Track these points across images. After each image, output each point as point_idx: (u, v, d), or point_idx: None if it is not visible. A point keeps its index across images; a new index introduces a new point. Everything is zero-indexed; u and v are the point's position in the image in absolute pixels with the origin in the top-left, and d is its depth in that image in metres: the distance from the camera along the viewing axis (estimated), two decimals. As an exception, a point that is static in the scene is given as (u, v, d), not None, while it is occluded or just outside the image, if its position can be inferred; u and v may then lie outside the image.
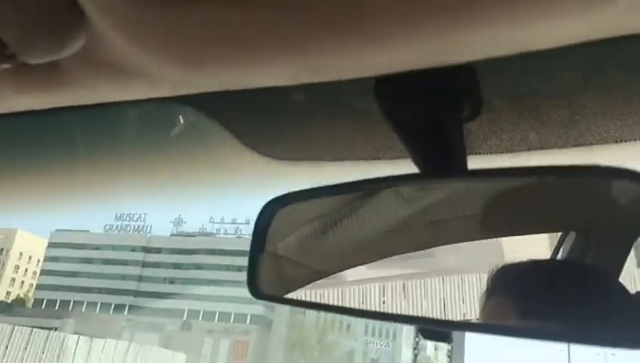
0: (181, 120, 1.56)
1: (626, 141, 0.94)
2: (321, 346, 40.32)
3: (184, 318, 41.49)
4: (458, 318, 0.96)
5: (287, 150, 1.12)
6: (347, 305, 1.03)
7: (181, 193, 1.89)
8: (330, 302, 1.05)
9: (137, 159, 1.60)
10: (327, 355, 39.94)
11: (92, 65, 0.71)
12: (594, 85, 0.86)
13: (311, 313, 42.18)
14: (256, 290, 1.05)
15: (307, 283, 1.12)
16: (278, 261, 1.10)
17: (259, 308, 40.30)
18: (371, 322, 41.13)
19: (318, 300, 1.06)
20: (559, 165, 0.84)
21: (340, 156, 1.07)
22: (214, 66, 0.69)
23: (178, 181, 1.74)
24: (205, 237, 45.85)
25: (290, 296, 1.09)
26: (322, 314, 43.65)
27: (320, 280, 1.05)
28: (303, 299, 1.07)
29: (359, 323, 41.21)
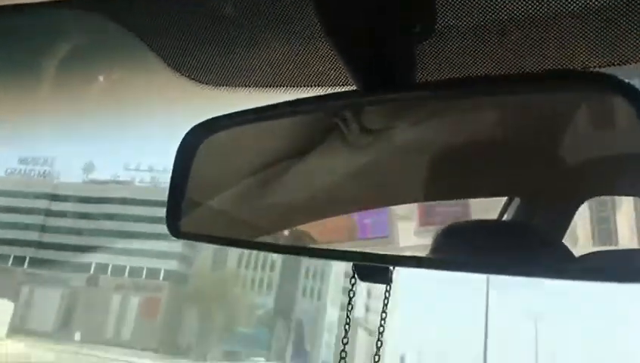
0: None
1: (593, 67, 0.92)
2: (241, 305, 40.61)
3: (91, 273, 40.72)
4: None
5: (218, 73, 1.06)
6: (278, 242, 1.01)
7: (99, 123, 1.80)
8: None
9: (45, 85, 1.49)
10: (247, 314, 40.31)
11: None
12: (562, 3, 0.83)
13: (232, 270, 42.25)
14: (175, 226, 1.01)
15: (240, 235, 1.08)
16: (208, 201, 1.05)
17: (173, 263, 39.96)
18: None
19: (250, 239, 1.03)
20: (526, 73, 0.82)
21: (278, 82, 1.02)
22: None
23: (100, 108, 1.64)
24: (118, 184, 44.76)
25: (213, 234, 1.05)
26: (243, 272, 43.74)
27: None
28: (227, 236, 1.03)
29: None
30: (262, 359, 28.44)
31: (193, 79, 1.07)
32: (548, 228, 0.92)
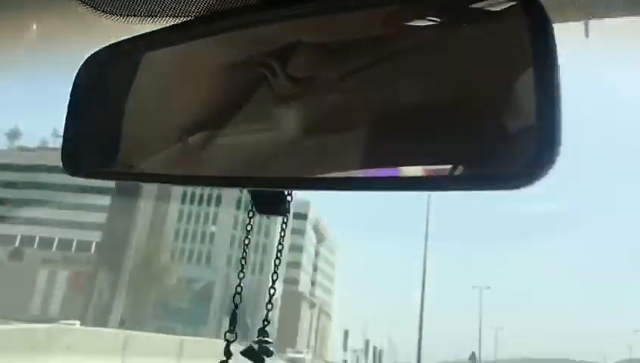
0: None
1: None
2: (178, 278, 40.46)
3: (16, 245, 39.69)
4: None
5: (123, 2, 1.01)
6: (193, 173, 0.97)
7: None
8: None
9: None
10: (183, 288, 40.20)
11: None
12: None
13: (168, 241, 41.94)
14: (73, 164, 0.97)
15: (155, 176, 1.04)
16: (113, 135, 1.00)
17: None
18: (236, 254, 41.72)
19: (158, 172, 0.99)
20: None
21: (191, 11, 0.98)
22: None
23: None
24: (47, 151, 43.49)
25: (120, 170, 1.01)
26: (181, 242, 43.44)
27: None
28: (138, 171, 0.99)
29: (222, 256, 41.71)
30: (78, 322, 28.23)
31: (96, 8, 1.03)
32: None
